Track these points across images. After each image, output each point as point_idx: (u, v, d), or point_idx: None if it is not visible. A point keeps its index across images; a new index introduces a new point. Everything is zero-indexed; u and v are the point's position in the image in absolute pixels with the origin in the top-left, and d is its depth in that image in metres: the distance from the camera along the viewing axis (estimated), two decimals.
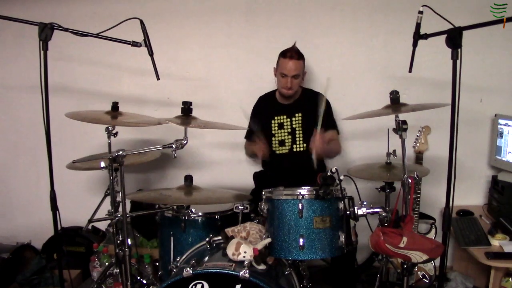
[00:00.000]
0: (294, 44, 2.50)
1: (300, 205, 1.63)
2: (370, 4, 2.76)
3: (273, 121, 2.62)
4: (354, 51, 2.82)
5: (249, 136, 2.74)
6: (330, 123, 2.60)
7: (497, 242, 2.23)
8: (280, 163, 2.61)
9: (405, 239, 1.55)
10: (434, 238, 2.40)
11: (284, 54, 2.44)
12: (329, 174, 1.62)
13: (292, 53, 2.42)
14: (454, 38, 1.61)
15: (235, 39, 2.89)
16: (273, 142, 2.62)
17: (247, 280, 1.49)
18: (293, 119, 2.58)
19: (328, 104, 2.61)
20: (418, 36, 1.80)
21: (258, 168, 2.79)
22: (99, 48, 2.86)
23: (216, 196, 2.07)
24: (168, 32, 2.88)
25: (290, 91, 2.48)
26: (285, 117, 2.60)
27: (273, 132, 2.62)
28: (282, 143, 2.61)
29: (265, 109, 2.68)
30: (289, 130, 2.59)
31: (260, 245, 1.62)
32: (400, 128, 1.67)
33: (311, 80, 2.80)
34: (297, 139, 2.58)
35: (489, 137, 2.75)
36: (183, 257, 1.85)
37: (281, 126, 2.61)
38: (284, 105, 2.57)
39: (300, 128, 2.57)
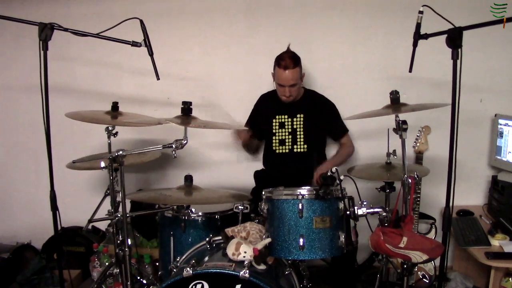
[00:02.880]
0: (288, 47, 2.47)
1: (300, 205, 1.63)
2: (370, 4, 2.76)
3: (274, 120, 2.62)
4: (354, 51, 2.81)
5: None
6: (339, 127, 2.63)
7: (497, 242, 2.23)
8: (280, 163, 2.61)
9: (405, 239, 1.55)
10: (434, 238, 2.39)
11: (279, 64, 2.39)
12: (329, 174, 1.62)
13: (287, 63, 2.35)
14: (454, 38, 1.61)
15: (235, 39, 2.89)
16: (273, 141, 2.62)
17: (247, 280, 1.49)
18: (295, 119, 2.58)
19: (333, 107, 2.61)
20: (418, 36, 1.79)
21: (259, 167, 2.79)
22: (99, 48, 2.85)
23: (216, 196, 2.07)
24: (168, 32, 2.88)
25: (289, 99, 2.48)
26: (286, 116, 2.60)
27: (273, 131, 2.62)
28: (282, 142, 2.61)
29: (267, 108, 2.68)
30: (290, 130, 2.59)
31: (260, 245, 1.62)
32: (400, 128, 1.67)
33: (311, 80, 2.80)
34: (298, 139, 2.58)
35: (489, 137, 2.75)
36: (183, 257, 1.85)
37: (282, 125, 2.61)
38: (286, 104, 2.56)
39: (302, 129, 2.57)
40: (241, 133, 2.65)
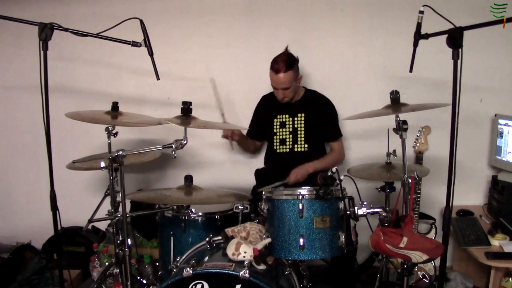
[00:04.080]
0: (285, 49, 2.45)
1: (300, 205, 1.63)
2: (370, 4, 2.76)
3: (275, 120, 2.62)
4: (354, 51, 2.82)
5: (250, 134, 2.75)
6: (333, 130, 2.60)
7: (497, 242, 2.23)
8: (280, 162, 2.61)
9: (405, 239, 1.55)
10: (434, 238, 2.40)
11: (272, 66, 2.39)
12: (329, 174, 1.63)
13: (279, 66, 2.34)
14: (454, 38, 1.61)
15: (235, 39, 2.89)
16: (275, 140, 2.63)
17: (247, 280, 1.49)
18: (296, 119, 2.58)
19: (333, 108, 2.60)
20: (418, 36, 1.79)
21: (260, 166, 2.79)
22: (99, 48, 2.85)
23: (216, 196, 2.07)
24: (168, 32, 2.88)
25: (284, 100, 2.49)
26: (287, 116, 2.60)
27: (274, 130, 2.62)
28: (283, 142, 2.61)
29: (268, 108, 2.68)
30: (291, 129, 2.59)
31: (260, 245, 1.62)
32: (400, 128, 1.67)
33: (311, 80, 2.80)
34: (299, 139, 2.58)
35: (489, 137, 2.75)
36: (183, 257, 1.85)
37: (282, 125, 2.61)
38: (286, 104, 2.56)
39: (302, 129, 2.57)
40: (231, 133, 2.59)
